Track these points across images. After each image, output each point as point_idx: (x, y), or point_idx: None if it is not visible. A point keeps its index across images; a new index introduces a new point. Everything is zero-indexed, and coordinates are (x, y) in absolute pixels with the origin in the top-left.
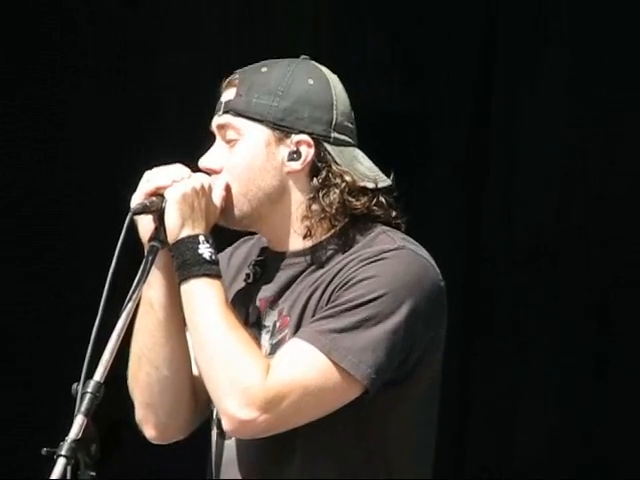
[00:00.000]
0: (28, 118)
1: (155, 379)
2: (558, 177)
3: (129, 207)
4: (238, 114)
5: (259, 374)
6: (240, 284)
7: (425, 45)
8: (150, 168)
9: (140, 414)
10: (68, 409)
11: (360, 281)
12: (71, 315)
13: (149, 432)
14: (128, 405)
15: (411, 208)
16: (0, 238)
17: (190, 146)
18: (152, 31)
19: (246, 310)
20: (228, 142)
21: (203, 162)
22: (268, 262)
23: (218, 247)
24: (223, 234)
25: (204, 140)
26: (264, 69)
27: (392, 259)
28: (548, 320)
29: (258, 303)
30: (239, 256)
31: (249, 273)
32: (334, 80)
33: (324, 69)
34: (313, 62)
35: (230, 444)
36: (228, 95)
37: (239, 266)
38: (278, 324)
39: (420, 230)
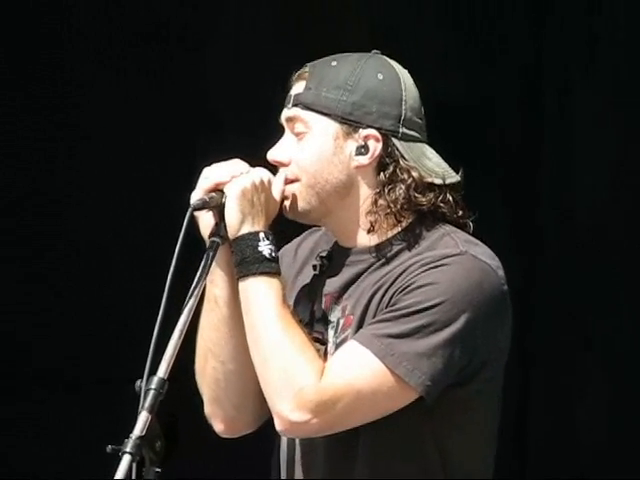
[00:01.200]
0: (28, 118)
1: (222, 374)
2: (612, 167)
3: (189, 203)
4: (307, 107)
5: (312, 376)
6: (306, 277)
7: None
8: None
9: (208, 409)
10: (68, 408)
11: (419, 287)
12: (71, 315)
13: (218, 426)
14: (185, 401)
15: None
16: (0, 238)
17: (188, 142)
18: (151, 30)
19: (312, 304)
20: (297, 135)
21: (271, 154)
22: (335, 256)
23: (284, 238)
24: (288, 226)
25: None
26: (334, 63)
27: (452, 265)
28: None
29: (324, 298)
30: (305, 248)
31: (316, 265)
32: (404, 75)
33: (394, 64)
34: (384, 57)
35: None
36: (298, 88)
37: (305, 259)
38: (342, 322)
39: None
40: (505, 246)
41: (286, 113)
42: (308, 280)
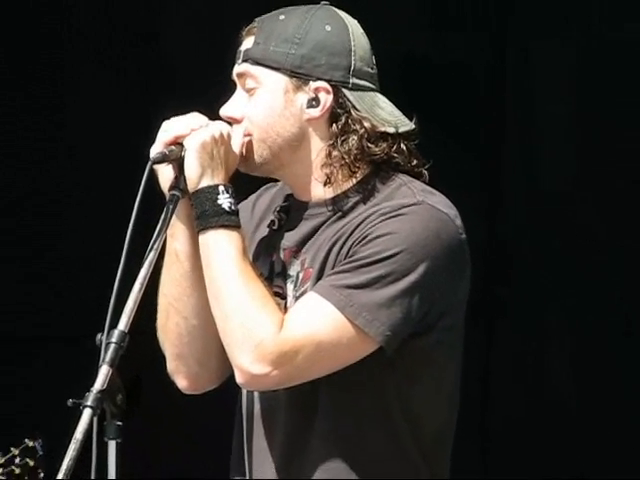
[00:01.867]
0: (28, 118)
1: (184, 329)
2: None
3: (148, 157)
4: (256, 62)
5: (272, 329)
6: (264, 232)
7: None
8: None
9: (172, 365)
10: (68, 409)
11: (377, 237)
12: (70, 315)
13: (181, 383)
14: (148, 360)
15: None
16: (0, 238)
17: None
18: (152, 30)
19: (271, 259)
20: (248, 91)
21: (224, 111)
22: (292, 210)
23: (240, 192)
24: (245, 182)
25: None
26: (282, 17)
27: (410, 215)
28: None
29: (282, 252)
30: (262, 204)
31: (274, 220)
32: (353, 25)
33: (343, 14)
34: (332, 8)
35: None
36: (247, 44)
37: (263, 214)
38: (301, 275)
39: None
40: (469, 198)
41: (236, 69)
42: (266, 235)
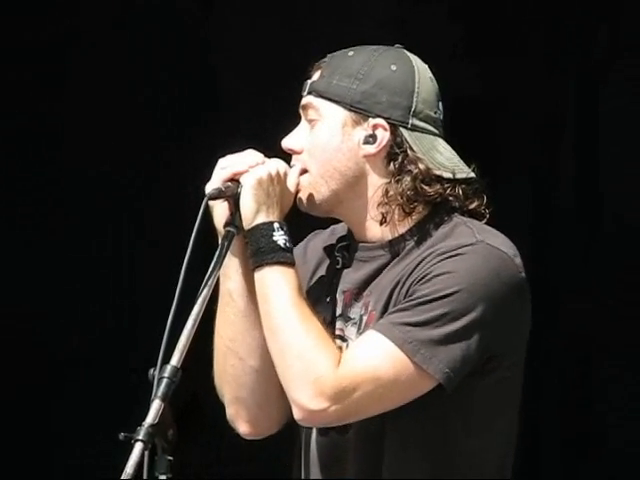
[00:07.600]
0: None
1: (241, 370)
2: None
3: (204, 193)
4: (319, 95)
5: (330, 365)
6: (321, 275)
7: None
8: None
9: (231, 410)
10: (70, 411)
11: (437, 276)
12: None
13: (242, 428)
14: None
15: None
16: (1, 235)
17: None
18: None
19: (332, 302)
20: (309, 122)
21: (285, 142)
22: (351, 252)
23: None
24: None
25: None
26: (351, 53)
27: (469, 254)
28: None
29: (343, 295)
30: (315, 248)
31: (337, 258)
32: (421, 68)
33: (414, 57)
34: (404, 50)
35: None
36: (314, 77)
37: (319, 259)
38: (365, 318)
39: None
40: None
41: (302, 101)
42: (325, 278)
